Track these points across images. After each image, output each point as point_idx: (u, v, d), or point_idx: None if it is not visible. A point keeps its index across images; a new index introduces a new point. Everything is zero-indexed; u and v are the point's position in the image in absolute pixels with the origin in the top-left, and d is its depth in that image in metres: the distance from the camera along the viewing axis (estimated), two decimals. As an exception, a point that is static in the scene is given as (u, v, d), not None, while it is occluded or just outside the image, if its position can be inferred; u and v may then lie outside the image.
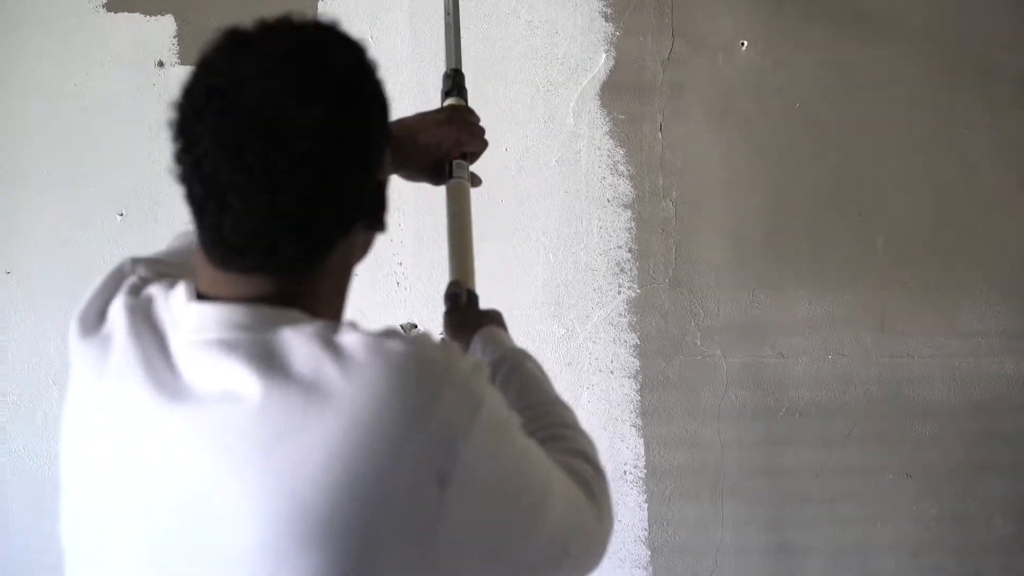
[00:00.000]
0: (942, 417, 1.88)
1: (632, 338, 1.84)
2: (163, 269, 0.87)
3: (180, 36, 1.83)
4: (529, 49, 1.84)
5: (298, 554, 0.68)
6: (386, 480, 0.70)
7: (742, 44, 1.87)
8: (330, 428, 0.70)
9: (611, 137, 1.85)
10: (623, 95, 1.86)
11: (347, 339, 0.73)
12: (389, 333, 0.76)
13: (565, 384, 1.75)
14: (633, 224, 1.85)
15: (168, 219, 1.81)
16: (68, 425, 0.82)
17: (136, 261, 0.88)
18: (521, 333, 1.60)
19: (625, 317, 1.83)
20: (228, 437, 0.70)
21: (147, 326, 0.77)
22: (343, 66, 0.75)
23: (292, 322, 0.74)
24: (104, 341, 0.78)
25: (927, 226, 1.87)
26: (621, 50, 1.85)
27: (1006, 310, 1.88)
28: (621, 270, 1.84)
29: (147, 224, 1.83)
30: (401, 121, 1.17)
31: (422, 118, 1.22)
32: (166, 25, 1.83)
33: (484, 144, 1.26)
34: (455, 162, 1.21)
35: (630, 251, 1.84)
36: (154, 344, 0.75)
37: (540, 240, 1.81)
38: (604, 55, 1.84)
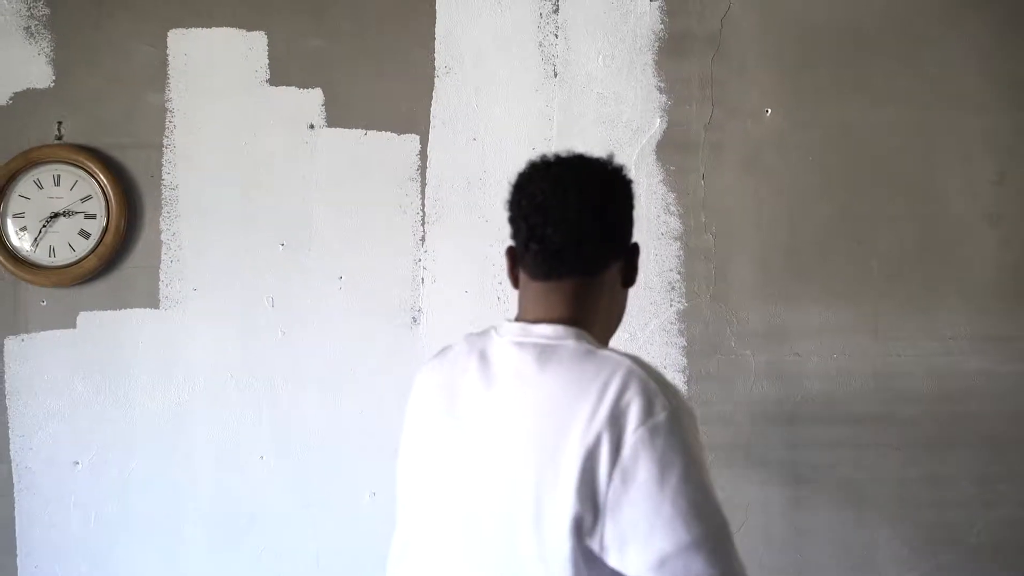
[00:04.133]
0: (922, 403, 2.16)
1: (681, 341, 2.17)
2: None
3: (327, 104, 2.18)
4: (600, 116, 2.16)
5: (551, 466, 1.09)
6: (591, 419, 1.09)
7: (767, 111, 2.17)
8: (582, 407, 1.10)
9: (664, 184, 2.16)
10: (673, 151, 2.16)
11: (601, 353, 1.15)
12: (632, 358, 1.14)
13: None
14: (682, 252, 2.16)
15: (319, 248, 2.18)
16: (412, 410, 1.28)
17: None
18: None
19: (675, 325, 2.16)
20: (514, 413, 1.14)
21: (480, 342, 1.23)
22: (614, 167, 1.23)
23: (579, 338, 1.17)
24: (444, 354, 1.25)
25: (911, 252, 2.15)
26: (672, 116, 2.16)
27: (973, 319, 2.15)
28: (672, 288, 2.17)
29: (303, 252, 2.18)
30: None
31: None
32: (316, 96, 2.18)
33: None
34: None
35: (679, 273, 2.16)
36: (480, 352, 1.22)
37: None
38: (659, 120, 2.16)
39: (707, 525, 1.06)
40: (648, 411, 1.08)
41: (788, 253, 2.18)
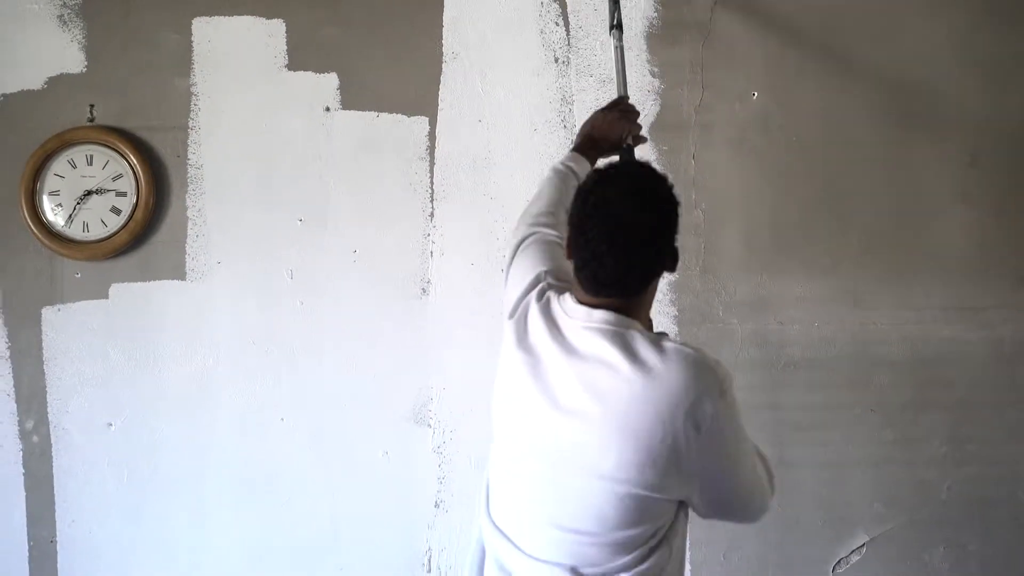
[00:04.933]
0: (897, 368, 2.30)
1: (672, 311, 2.30)
2: (557, 277, 1.52)
3: (342, 88, 2.32)
4: (597, 99, 2.27)
5: (617, 442, 1.32)
6: (675, 420, 1.31)
7: (754, 94, 2.30)
8: (656, 391, 1.32)
9: (657, 163, 2.26)
10: (666, 132, 2.30)
11: (665, 344, 1.36)
12: (683, 344, 1.38)
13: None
14: None
15: (335, 223, 2.33)
16: (501, 372, 1.49)
17: (547, 272, 1.53)
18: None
19: (667, 295, 2.29)
20: (601, 385, 1.35)
21: (547, 314, 1.43)
22: (664, 190, 1.42)
23: (635, 327, 1.38)
24: (523, 319, 1.45)
25: (888, 228, 2.29)
26: (664, 99, 2.30)
27: (945, 291, 2.30)
28: None
29: (319, 227, 2.33)
30: (593, 121, 1.88)
31: (604, 116, 1.88)
32: (331, 80, 2.32)
33: (640, 126, 1.91)
34: (625, 146, 1.85)
35: None
36: (553, 324, 1.41)
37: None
38: (652, 102, 2.30)
39: (749, 472, 1.43)
40: (708, 410, 1.34)
41: (772, 228, 2.32)
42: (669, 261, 1.44)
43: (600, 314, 1.40)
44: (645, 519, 1.37)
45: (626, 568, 1.38)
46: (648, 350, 1.36)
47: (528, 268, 1.57)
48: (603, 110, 1.91)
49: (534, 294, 1.51)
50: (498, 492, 1.52)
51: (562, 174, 1.79)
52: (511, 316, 1.52)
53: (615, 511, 1.36)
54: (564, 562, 1.39)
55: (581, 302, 1.42)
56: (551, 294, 1.50)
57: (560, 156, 1.89)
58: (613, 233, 1.36)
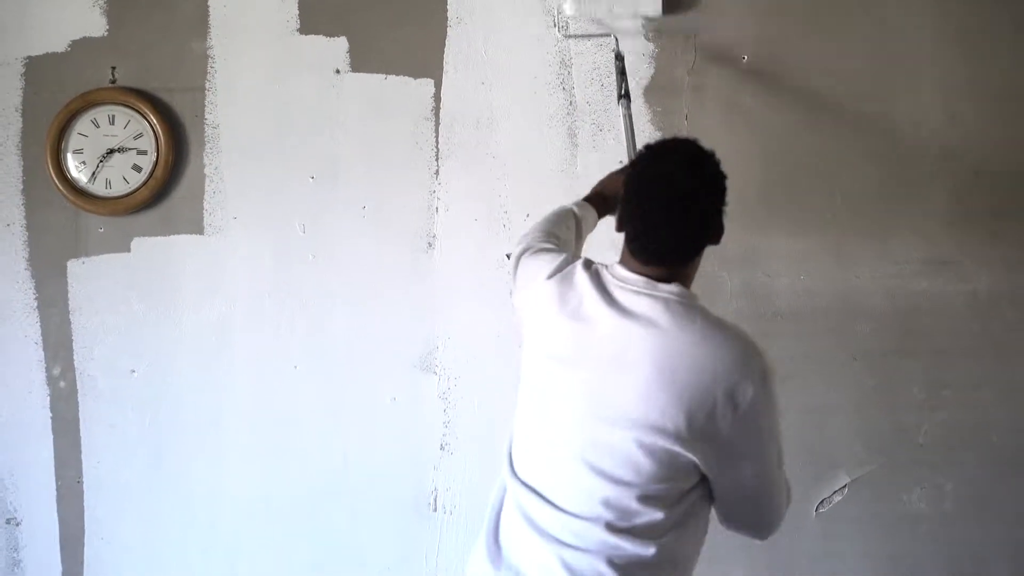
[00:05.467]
0: (877, 319, 2.36)
1: None
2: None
3: (351, 51, 2.43)
4: (595, 63, 2.39)
5: (660, 396, 1.42)
6: (716, 391, 1.42)
7: (743, 58, 2.37)
8: (704, 359, 1.43)
9: (651, 124, 2.37)
10: (660, 94, 2.38)
11: (720, 318, 1.51)
12: (735, 324, 1.51)
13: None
14: None
15: (345, 180, 2.44)
16: (539, 335, 1.60)
17: (577, 257, 1.64)
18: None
19: None
20: (647, 343, 1.46)
21: (597, 280, 1.54)
22: (713, 165, 1.52)
23: (694, 299, 1.52)
24: (567, 282, 1.56)
25: (871, 187, 2.35)
26: (659, 62, 2.38)
27: (924, 244, 2.36)
28: None
29: (330, 183, 2.44)
30: (605, 181, 2.03)
31: (615, 178, 2.00)
32: (341, 44, 2.43)
33: None
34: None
35: None
36: (601, 287, 1.52)
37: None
38: (647, 66, 2.39)
39: (776, 468, 1.54)
40: (748, 391, 1.44)
41: (761, 186, 2.39)
42: (715, 234, 1.54)
43: (654, 282, 1.50)
44: (674, 476, 1.47)
45: (653, 528, 1.47)
46: (703, 319, 1.48)
47: (550, 258, 1.66)
48: (615, 173, 2.05)
49: (579, 264, 1.60)
50: (529, 450, 1.59)
51: (568, 212, 1.90)
52: (527, 296, 1.65)
53: (649, 462, 1.45)
54: (599, 515, 1.47)
55: (632, 271, 1.52)
56: (597, 265, 1.60)
57: (571, 199, 2.00)
58: (671, 202, 1.46)
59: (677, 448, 1.44)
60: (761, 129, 2.40)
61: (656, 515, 1.47)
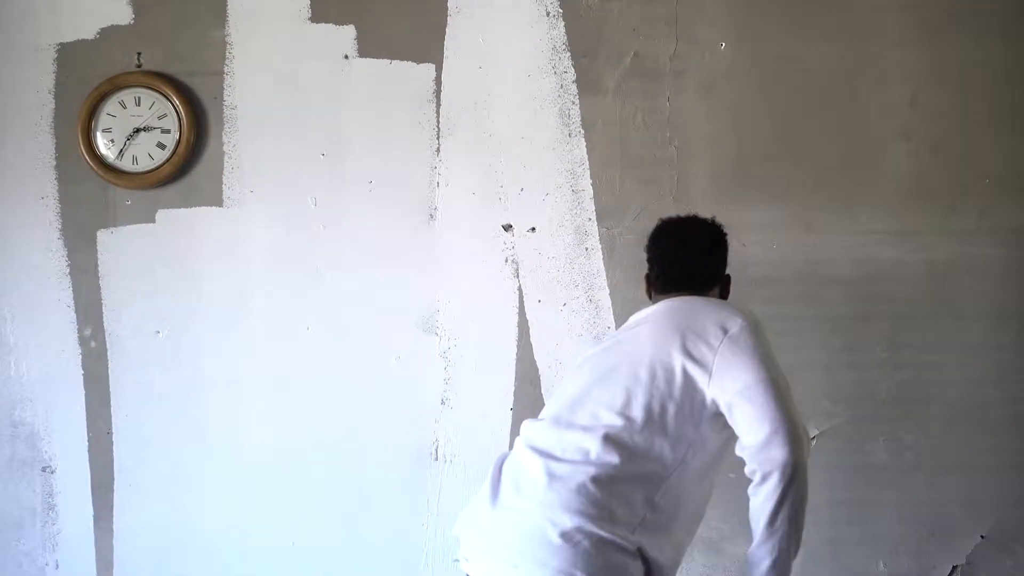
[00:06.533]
0: (845, 285, 2.51)
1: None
2: None
3: (359, 38, 2.61)
4: (585, 48, 2.56)
5: (666, 331, 1.76)
6: (708, 322, 1.76)
7: (721, 45, 2.54)
8: (703, 307, 1.84)
9: (636, 105, 2.55)
10: (644, 79, 2.55)
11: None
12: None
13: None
14: (650, 161, 2.58)
15: (353, 157, 2.62)
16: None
17: None
18: (584, 221, 2.47)
19: (641, 222, 2.47)
20: (666, 307, 1.88)
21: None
22: (714, 225, 1.99)
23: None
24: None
25: (838, 162, 2.51)
26: (643, 48, 2.56)
27: (887, 216, 2.51)
28: (644, 188, 2.56)
29: (339, 160, 2.62)
30: None
31: None
32: (349, 31, 2.61)
33: None
34: None
35: (647, 179, 2.57)
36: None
37: (600, 171, 2.57)
38: (632, 52, 2.56)
39: (774, 375, 1.73)
40: (736, 323, 1.77)
41: (737, 162, 2.57)
42: (723, 283, 1.98)
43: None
44: (678, 401, 1.73)
45: (648, 455, 1.72)
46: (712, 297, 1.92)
47: None
48: None
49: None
50: (550, 403, 1.92)
51: None
52: None
53: (658, 384, 1.74)
54: (603, 423, 1.73)
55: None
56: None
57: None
58: (681, 241, 1.95)
59: (681, 370, 1.72)
60: (737, 109, 2.57)
61: (657, 441, 1.71)
